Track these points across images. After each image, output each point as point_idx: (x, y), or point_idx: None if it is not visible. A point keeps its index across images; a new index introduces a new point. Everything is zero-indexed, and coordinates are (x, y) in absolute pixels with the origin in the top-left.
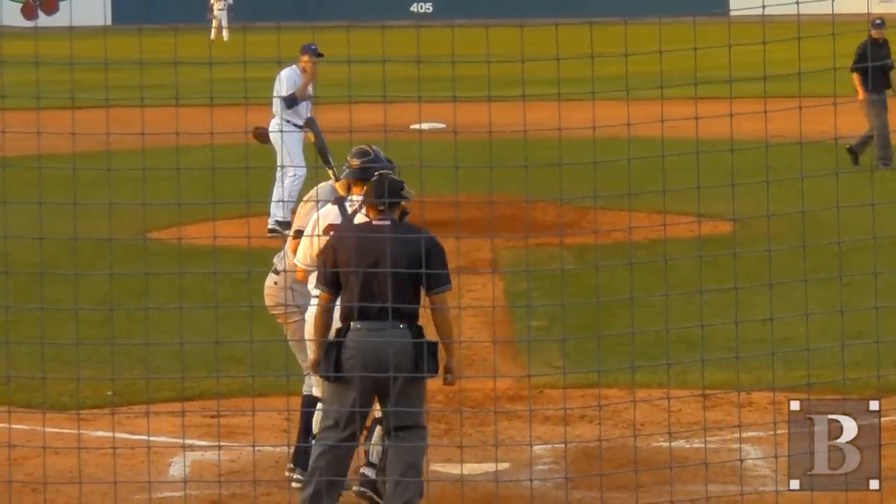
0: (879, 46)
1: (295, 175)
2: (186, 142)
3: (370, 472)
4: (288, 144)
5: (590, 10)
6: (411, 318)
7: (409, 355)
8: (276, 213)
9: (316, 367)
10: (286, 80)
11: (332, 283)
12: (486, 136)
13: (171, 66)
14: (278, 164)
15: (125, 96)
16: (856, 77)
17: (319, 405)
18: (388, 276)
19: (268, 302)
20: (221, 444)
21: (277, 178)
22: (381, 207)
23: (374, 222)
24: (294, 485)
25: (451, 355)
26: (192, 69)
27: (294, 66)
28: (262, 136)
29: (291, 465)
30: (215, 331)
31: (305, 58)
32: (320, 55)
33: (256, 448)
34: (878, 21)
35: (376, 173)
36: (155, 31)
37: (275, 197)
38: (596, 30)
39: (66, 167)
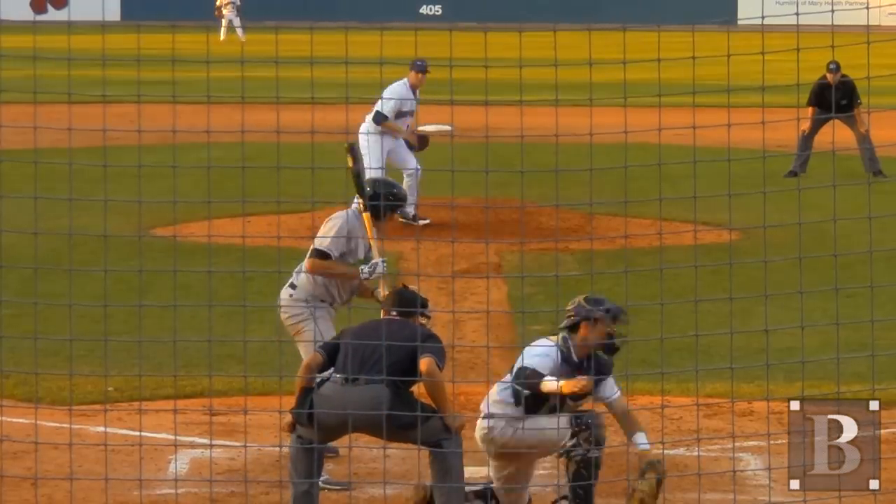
0: (832, 89)
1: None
2: (200, 139)
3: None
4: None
5: (602, 16)
6: (393, 383)
7: (377, 408)
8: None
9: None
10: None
11: (329, 350)
12: (485, 139)
13: (182, 64)
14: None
15: (125, 92)
16: (811, 110)
17: None
18: (380, 348)
19: (282, 316)
20: (219, 442)
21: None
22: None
23: (385, 317)
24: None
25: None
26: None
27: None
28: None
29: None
30: (209, 329)
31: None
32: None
33: (259, 448)
34: (832, 65)
35: (402, 285)
36: (156, 28)
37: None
38: (596, 36)
39: (63, 162)
